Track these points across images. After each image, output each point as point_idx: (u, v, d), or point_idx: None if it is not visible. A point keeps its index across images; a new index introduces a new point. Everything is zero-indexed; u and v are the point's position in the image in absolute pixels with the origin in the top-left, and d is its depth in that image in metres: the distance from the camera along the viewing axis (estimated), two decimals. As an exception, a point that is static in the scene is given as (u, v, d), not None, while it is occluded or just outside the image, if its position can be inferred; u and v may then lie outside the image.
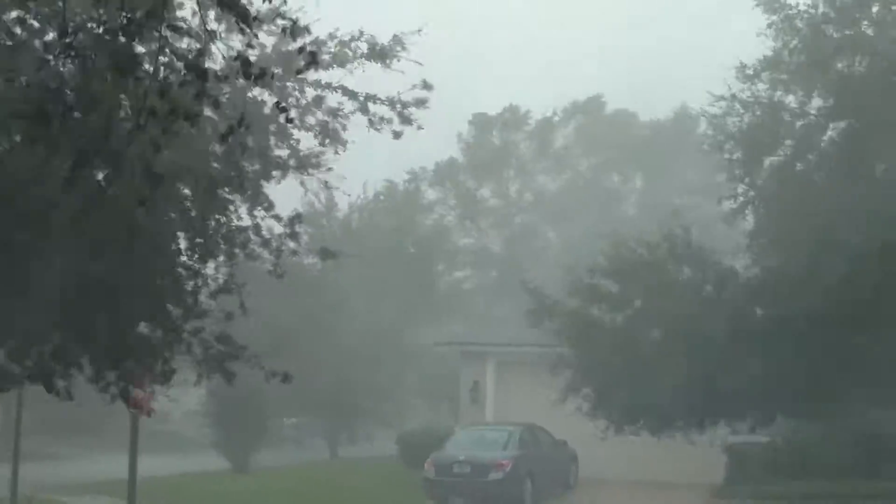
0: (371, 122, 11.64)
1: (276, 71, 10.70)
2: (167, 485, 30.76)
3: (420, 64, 11.92)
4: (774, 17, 20.09)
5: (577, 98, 63.79)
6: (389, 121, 11.66)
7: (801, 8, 19.91)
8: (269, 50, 10.63)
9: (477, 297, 55.89)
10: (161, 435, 37.36)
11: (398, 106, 11.50)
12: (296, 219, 11.77)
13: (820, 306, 18.89)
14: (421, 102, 11.61)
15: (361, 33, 11.55)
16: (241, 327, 12.84)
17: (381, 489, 31.06)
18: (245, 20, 8.07)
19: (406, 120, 11.64)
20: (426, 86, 11.47)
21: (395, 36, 11.57)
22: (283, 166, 11.83)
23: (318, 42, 10.87)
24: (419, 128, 11.86)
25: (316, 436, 47.21)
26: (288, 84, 11.16)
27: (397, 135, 11.88)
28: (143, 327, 11.87)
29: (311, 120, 11.87)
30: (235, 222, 11.47)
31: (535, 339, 25.97)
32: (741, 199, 21.62)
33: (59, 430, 34.34)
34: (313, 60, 9.74)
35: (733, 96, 20.38)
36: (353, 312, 44.19)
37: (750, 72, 20.42)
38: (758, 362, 19.22)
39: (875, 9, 19.75)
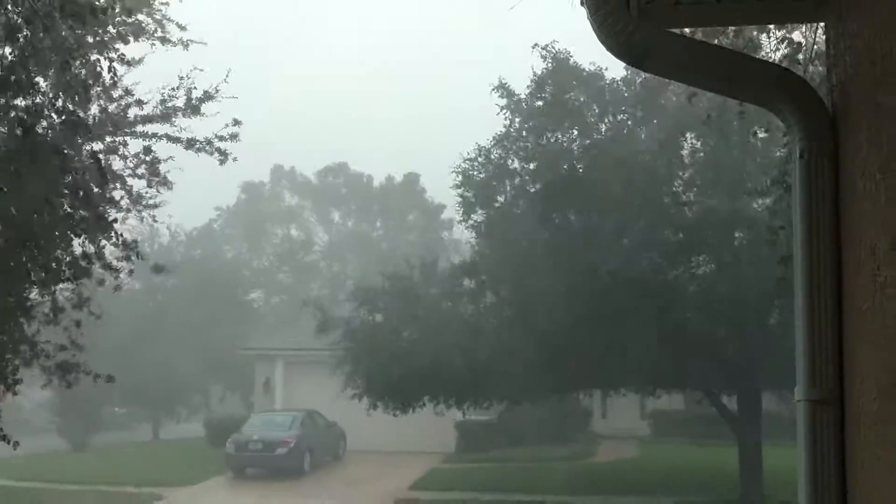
0: (200, 151, 11.07)
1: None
2: (17, 461, 29.09)
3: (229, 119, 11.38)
4: (506, 101, 20.31)
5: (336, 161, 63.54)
6: (210, 153, 11.12)
7: (522, 95, 20.20)
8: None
9: (269, 314, 55.00)
10: (14, 422, 35.32)
11: (215, 143, 11.02)
12: (133, 245, 11.01)
13: (518, 314, 19.27)
14: (234, 136, 11.12)
15: (175, 89, 10.97)
16: (84, 336, 12.02)
17: (193, 462, 30.19)
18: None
19: (223, 154, 11.12)
20: (236, 122, 10.99)
21: (204, 92, 11.04)
22: (119, 207, 11.03)
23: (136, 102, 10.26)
24: (234, 159, 11.38)
25: (142, 421, 45.58)
26: (116, 138, 10.50)
27: (222, 161, 11.37)
28: None
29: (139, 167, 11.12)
30: (80, 250, 10.64)
31: (314, 345, 25.65)
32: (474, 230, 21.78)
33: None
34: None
35: (474, 158, 20.53)
36: (170, 323, 42.85)
37: (485, 150, 20.60)
38: (479, 356, 19.42)
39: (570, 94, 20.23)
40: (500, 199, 20.49)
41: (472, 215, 20.73)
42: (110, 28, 9.29)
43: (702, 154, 18.48)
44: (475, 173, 20.41)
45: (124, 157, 10.34)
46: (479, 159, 20.39)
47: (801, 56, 8.69)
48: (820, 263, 2.52)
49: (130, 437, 41.80)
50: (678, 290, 18.31)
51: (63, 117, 8.91)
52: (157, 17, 10.26)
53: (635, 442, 31.50)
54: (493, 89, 20.14)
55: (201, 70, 10.99)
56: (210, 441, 34.54)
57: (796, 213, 2.57)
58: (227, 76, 11.14)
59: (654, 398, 25.57)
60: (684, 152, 18.91)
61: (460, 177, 20.49)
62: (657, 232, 18.30)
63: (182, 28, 10.51)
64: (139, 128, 10.48)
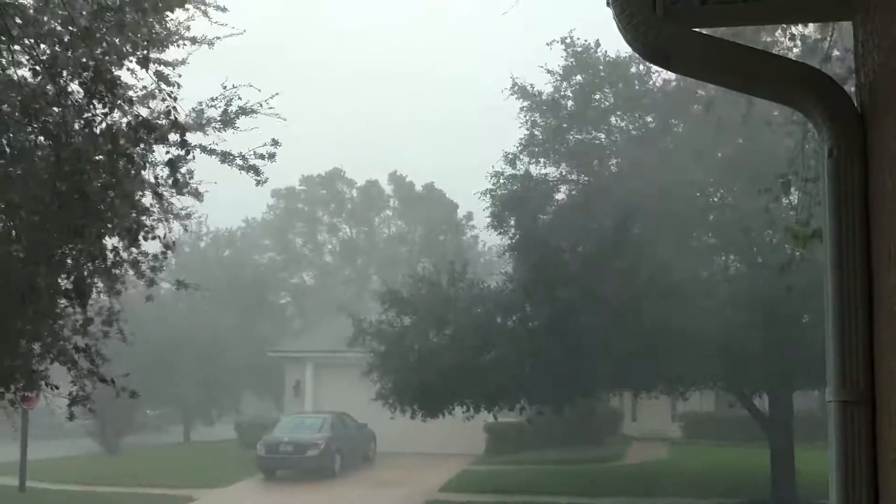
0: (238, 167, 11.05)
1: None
2: (52, 464, 29.43)
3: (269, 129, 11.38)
4: (526, 103, 20.17)
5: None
6: (247, 171, 11.12)
7: (545, 96, 20.11)
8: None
9: (298, 319, 55.28)
10: (47, 426, 35.67)
11: (250, 160, 11.00)
12: (163, 255, 11.04)
13: (552, 320, 19.18)
14: (271, 156, 11.09)
15: (215, 99, 10.96)
16: (114, 345, 12.06)
17: (224, 464, 30.37)
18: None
19: (258, 173, 11.13)
20: (275, 142, 10.98)
21: (239, 107, 11.03)
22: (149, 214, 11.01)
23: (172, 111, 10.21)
24: (266, 180, 11.38)
25: (173, 423, 45.86)
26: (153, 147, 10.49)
27: (258, 182, 11.36)
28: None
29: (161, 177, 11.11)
30: (111, 260, 10.67)
31: (343, 347, 25.65)
32: (502, 246, 21.64)
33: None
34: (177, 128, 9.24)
35: (500, 173, 20.46)
36: (202, 326, 43.11)
37: (511, 156, 20.52)
38: (510, 362, 19.37)
39: (598, 95, 20.08)
40: (529, 209, 20.38)
41: (503, 229, 20.66)
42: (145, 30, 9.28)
43: (730, 152, 18.30)
44: (502, 191, 20.32)
45: (154, 165, 10.36)
46: (506, 172, 20.27)
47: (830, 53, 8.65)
48: (849, 263, 2.51)
49: (162, 439, 42.07)
50: (709, 291, 18.21)
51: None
52: (200, 7, 10.14)
53: (666, 444, 31.35)
54: (511, 92, 20.04)
55: (251, 87, 10.97)
56: (241, 443, 34.73)
57: (825, 212, 2.56)
58: (269, 99, 11.11)
59: (684, 400, 25.43)
60: (717, 153, 18.69)
61: (488, 197, 20.41)
62: (688, 234, 18.22)
63: (223, 10, 10.37)
64: (171, 136, 10.46)
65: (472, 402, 21.30)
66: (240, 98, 11.11)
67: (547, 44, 19.66)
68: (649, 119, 19.72)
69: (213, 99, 10.93)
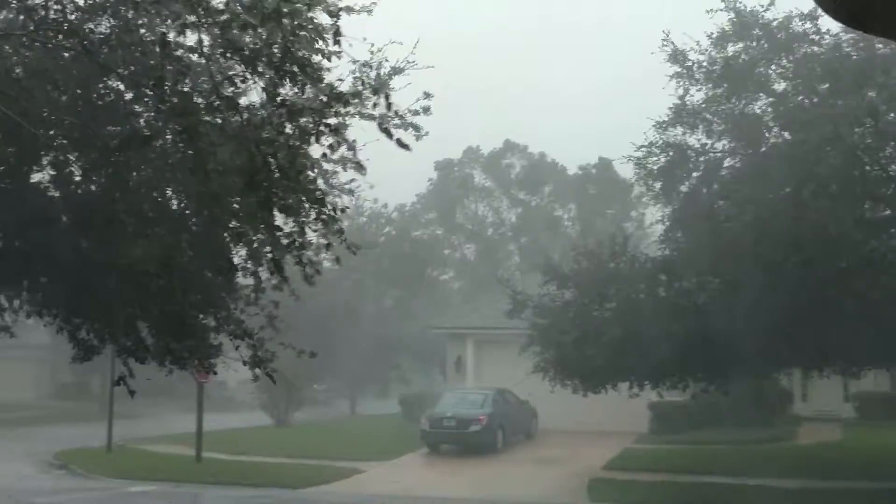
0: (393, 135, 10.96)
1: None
2: (225, 436, 30.68)
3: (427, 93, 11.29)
4: (678, 68, 19.62)
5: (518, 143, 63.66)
6: (405, 129, 11.04)
7: (702, 63, 19.54)
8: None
9: (458, 294, 55.77)
10: (220, 399, 37.18)
11: (407, 118, 10.93)
12: (339, 232, 11.07)
13: (718, 300, 18.67)
14: (425, 110, 11.01)
15: (365, 65, 10.90)
16: (287, 316, 12.45)
17: (389, 438, 31.00)
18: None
19: (417, 129, 11.07)
20: (427, 95, 10.89)
21: (392, 67, 10.94)
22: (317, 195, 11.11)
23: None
24: (426, 133, 11.26)
25: (340, 397, 47.02)
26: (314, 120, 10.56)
27: (418, 137, 11.25)
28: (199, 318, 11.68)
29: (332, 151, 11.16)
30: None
31: (503, 324, 25.62)
32: (662, 219, 21.17)
33: (141, 394, 33.12)
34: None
35: (651, 143, 20.00)
36: (366, 302, 44.03)
37: (663, 123, 20.01)
38: (676, 338, 18.92)
39: (760, 69, 19.35)
40: (686, 185, 19.87)
41: (664, 201, 20.21)
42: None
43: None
44: (653, 160, 19.83)
45: (321, 142, 10.49)
46: (658, 143, 19.76)
47: None
48: None
49: (329, 413, 43.22)
50: (886, 266, 17.31)
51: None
52: None
53: (838, 424, 30.16)
54: (665, 55, 19.46)
55: (400, 43, 10.87)
56: (405, 417, 35.32)
57: None
58: (414, 47, 10.96)
59: (857, 379, 24.37)
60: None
61: (638, 167, 19.98)
62: (860, 207, 17.38)
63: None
64: (331, 111, 10.49)
65: (635, 378, 20.96)
66: (387, 60, 11.02)
67: (707, 11, 19.07)
68: (822, 88, 18.73)
69: (364, 64, 10.87)
